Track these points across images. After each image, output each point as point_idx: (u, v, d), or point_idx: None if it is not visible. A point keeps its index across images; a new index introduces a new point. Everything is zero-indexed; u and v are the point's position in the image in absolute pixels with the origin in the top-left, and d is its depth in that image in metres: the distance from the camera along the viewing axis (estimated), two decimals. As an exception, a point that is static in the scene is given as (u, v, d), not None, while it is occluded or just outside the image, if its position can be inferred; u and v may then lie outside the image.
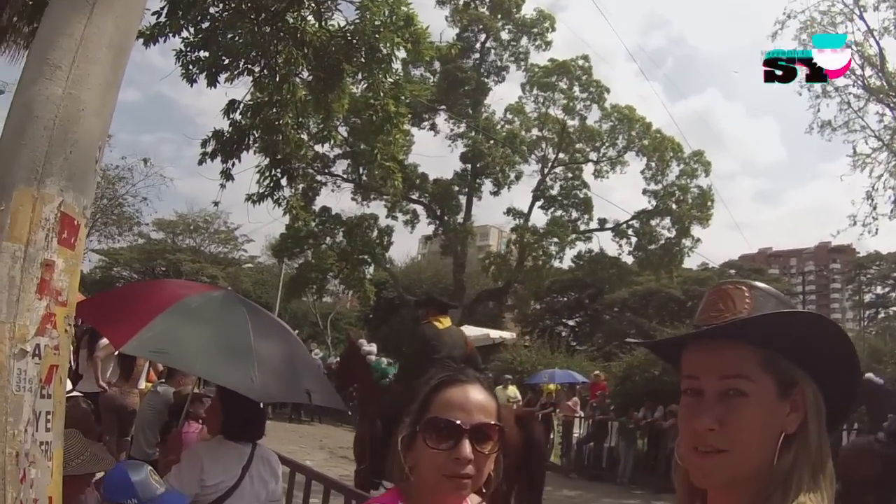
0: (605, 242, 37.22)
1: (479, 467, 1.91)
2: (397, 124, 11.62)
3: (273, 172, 12.48)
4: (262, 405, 4.56)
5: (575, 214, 34.99)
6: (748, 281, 1.51)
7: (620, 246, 35.55)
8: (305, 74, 11.07)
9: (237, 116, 11.51)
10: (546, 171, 35.39)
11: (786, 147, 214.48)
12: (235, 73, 10.92)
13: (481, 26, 34.98)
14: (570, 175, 35.59)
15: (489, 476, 1.97)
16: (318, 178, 32.47)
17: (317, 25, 10.45)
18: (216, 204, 15.47)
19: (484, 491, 2.02)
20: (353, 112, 13.55)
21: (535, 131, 35.57)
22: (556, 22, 34.69)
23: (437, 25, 32.99)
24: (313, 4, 10.42)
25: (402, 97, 11.68)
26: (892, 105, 22.10)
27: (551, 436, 19.84)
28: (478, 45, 35.30)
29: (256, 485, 4.37)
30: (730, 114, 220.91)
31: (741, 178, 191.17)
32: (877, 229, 22.80)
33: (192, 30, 10.57)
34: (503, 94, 79.28)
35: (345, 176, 33.39)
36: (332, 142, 14.26)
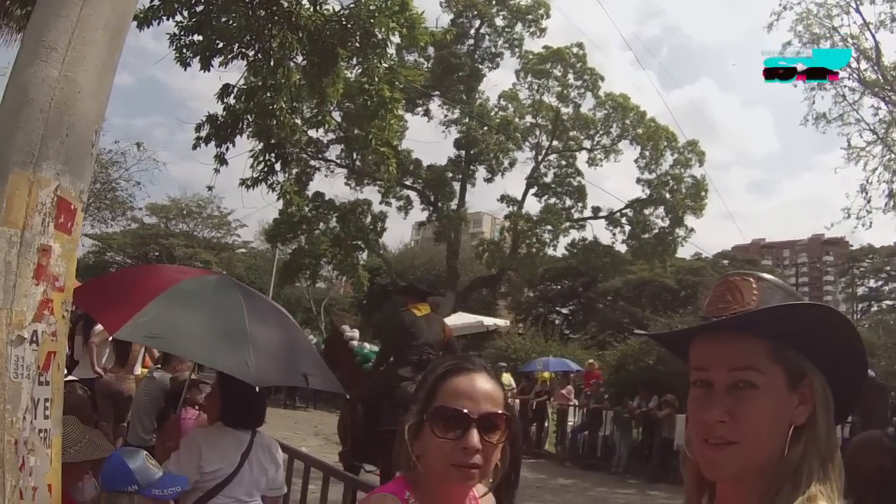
0: (598, 231, 37.46)
1: (487, 457, 1.90)
2: (392, 110, 11.58)
3: (267, 157, 12.42)
4: (259, 391, 4.52)
5: (569, 202, 35.04)
6: (755, 272, 1.51)
7: (614, 234, 35.70)
8: (300, 59, 11.02)
9: (231, 101, 11.45)
10: (540, 158, 35.43)
11: (780, 138, 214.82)
12: (229, 56, 10.85)
13: (476, 12, 34.90)
14: (563, 163, 35.60)
15: (496, 466, 1.96)
16: (312, 163, 32.35)
17: (311, 9, 10.38)
18: (210, 188, 15.44)
19: (491, 480, 2.00)
20: (348, 97, 13.49)
21: (528, 118, 35.58)
22: (551, 9, 34.59)
23: (432, 11, 33.01)
24: (308, -12, 10.37)
25: (397, 82, 11.64)
26: (887, 99, 22.10)
27: (546, 424, 19.90)
28: (472, 31, 35.23)
29: (256, 472, 4.35)
30: (724, 104, 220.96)
31: (735, 169, 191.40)
32: (871, 223, 22.89)
33: (186, 13, 10.51)
34: (497, 81, 79.42)
35: (338, 161, 33.30)
36: (326, 127, 14.21)
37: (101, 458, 3.56)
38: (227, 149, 11.81)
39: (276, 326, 4.87)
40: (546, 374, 21.45)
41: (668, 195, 33.50)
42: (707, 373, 1.44)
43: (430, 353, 8.08)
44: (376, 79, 10.95)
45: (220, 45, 10.64)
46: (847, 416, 1.53)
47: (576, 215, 35.35)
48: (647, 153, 34.13)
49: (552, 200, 34.85)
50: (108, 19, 3.08)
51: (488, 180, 35.72)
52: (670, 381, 16.47)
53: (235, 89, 11.32)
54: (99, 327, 8.11)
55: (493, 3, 34.72)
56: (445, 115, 35.50)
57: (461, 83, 34.68)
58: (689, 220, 33.86)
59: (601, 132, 35.05)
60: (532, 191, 35.18)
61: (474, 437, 1.86)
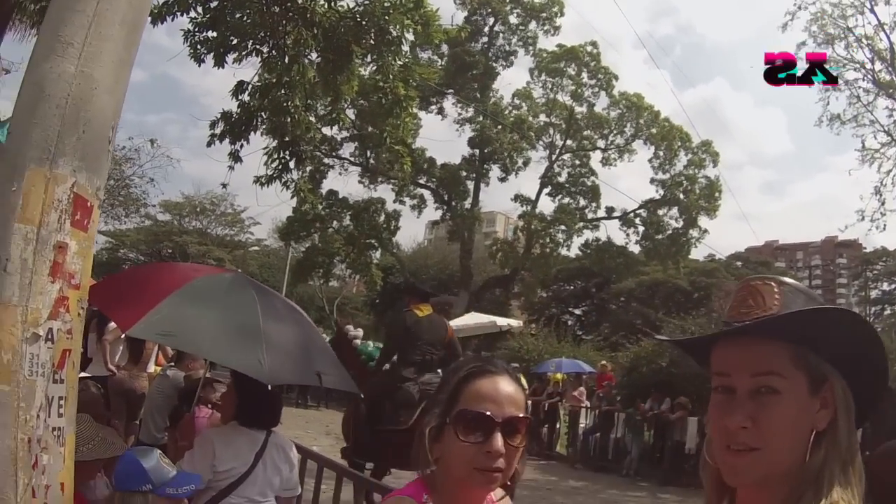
0: (612, 231, 37.36)
1: (509, 460, 1.89)
2: (406, 107, 11.58)
3: (281, 155, 12.43)
4: (272, 389, 4.50)
5: (582, 202, 35.06)
6: (776, 277, 1.49)
7: (628, 235, 35.74)
8: (314, 56, 11.03)
9: (245, 97, 11.47)
10: (554, 157, 35.45)
11: (793, 138, 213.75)
12: (244, 53, 10.89)
13: (490, 10, 34.96)
14: (577, 162, 35.62)
15: (515, 469, 1.95)
16: (326, 160, 32.45)
17: (326, 6, 10.41)
18: (224, 186, 15.45)
19: (509, 484, 2.00)
20: (362, 94, 13.50)
21: (542, 117, 35.58)
22: (565, 7, 34.56)
23: (446, 8, 32.96)
24: (323, -16, 10.37)
25: (412, 80, 11.63)
26: (902, 100, 22.01)
27: (557, 425, 19.86)
28: (486, 29, 35.30)
29: (269, 472, 4.33)
30: (737, 103, 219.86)
31: (748, 169, 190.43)
32: (885, 225, 22.89)
33: (200, 9, 10.56)
34: (511, 79, 79.53)
35: (352, 159, 33.40)
36: (341, 124, 14.21)
37: (114, 456, 3.56)
38: (242, 146, 11.84)
39: (291, 325, 4.85)
40: (558, 376, 21.41)
41: (681, 196, 33.48)
42: (729, 378, 1.42)
43: (432, 353, 8.18)
44: (391, 76, 10.94)
45: (235, 41, 10.67)
46: (868, 420, 1.51)
47: (589, 215, 35.39)
48: (661, 153, 34.11)
49: (566, 200, 34.88)
50: (124, 14, 3.06)
51: (502, 179, 35.81)
52: (683, 384, 16.42)
53: (250, 86, 11.32)
54: (113, 325, 8.13)
55: (508, 0, 34.71)
56: (459, 114, 35.61)
57: (475, 81, 34.74)
58: (703, 221, 33.91)
59: (615, 132, 35.08)
60: (546, 190, 35.23)
61: (498, 441, 1.85)
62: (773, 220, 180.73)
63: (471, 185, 35.50)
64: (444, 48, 32.42)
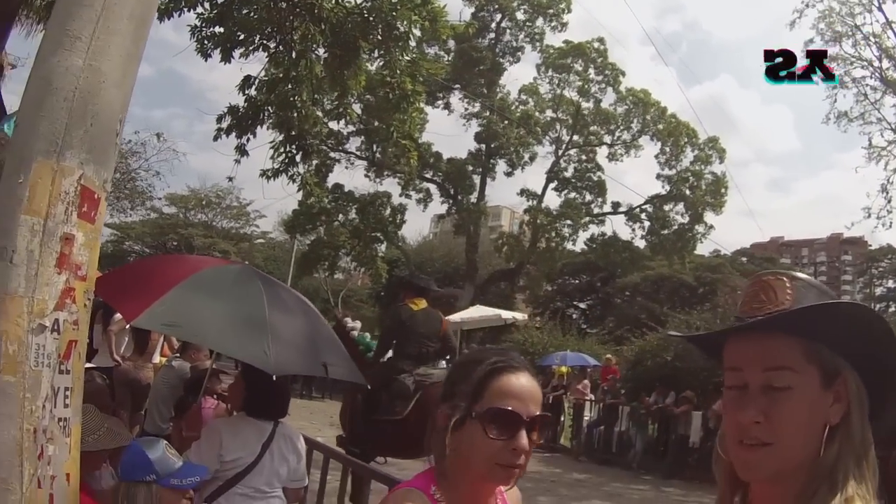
0: (618, 226, 37.30)
1: (528, 456, 1.90)
2: (413, 102, 11.58)
3: (287, 148, 12.46)
4: (278, 380, 4.51)
5: (588, 197, 35.09)
6: (789, 271, 1.49)
7: (633, 230, 35.80)
8: (321, 51, 11.04)
9: (252, 92, 11.49)
10: (560, 152, 35.43)
11: (799, 136, 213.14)
12: (250, 48, 10.90)
13: (497, 6, 34.91)
14: (584, 157, 35.62)
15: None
16: (332, 155, 32.43)
17: (333, 1, 10.41)
18: (231, 179, 15.48)
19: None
20: (369, 89, 13.51)
21: (549, 112, 35.61)
22: (572, 3, 34.49)
23: (454, 4, 32.88)
24: (330, -20, 10.37)
25: (419, 75, 11.63)
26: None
27: (562, 418, 19.88)
28: (493, 25, 35.27)
29: (277, 462, 4.34)
30: (744, 100, 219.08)
31: (754, 166, 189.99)
32: (891, 223, 22.77)
33: (207, 4, 10.57)
34: (518, 75, 79.07)
35: (358, 153, 33.39)
36: (347, 119, 14.25)
37: (120, 446, 3.57)
38: (248, 140, 11.86)
39: (298, 315, 4.83)
40: (563, 369, 21.42)
41: (687, 191, 33.49)
42: (741, 373, 1.42)
43: (427, 346, 8.26)
44: (398, 71, 10.95)
45: (242, 36, 10.68)
46: (882, 414, 1.48)
47: (595, 210, 35.41)
48: (668, 149, 34.10)
49: (572, 195, 34.89)
50: (132, 8, 3.06)
51: (508, 174, 35.83)
52: (687, 378, 16.42)
53: (256, 81, 11.34)
54: (118, 315, 8.15)
55: (515, -3, 34.66)
56: (466, 109, 35.69)
57: (482, 77, 34.73)
58: (709, 216, 33.97)
59: (622, 127, 35.07)
60: (552, 185, 35.23)
61: (524, 438, 1.86)
62: (779, 216, 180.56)
63: (477, 179, 35.57)
64: (451, 44, 32.40)
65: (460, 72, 33.65)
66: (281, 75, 11.01)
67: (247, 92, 11.48)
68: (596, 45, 34.29)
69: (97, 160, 2.84)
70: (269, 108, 11.53)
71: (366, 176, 33.94)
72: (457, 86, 33.79)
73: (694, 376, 16.21)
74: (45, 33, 3.14)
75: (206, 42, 10.74)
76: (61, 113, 2.76)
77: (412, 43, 11.22)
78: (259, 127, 11.84)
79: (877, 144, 22.93)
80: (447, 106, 35.42)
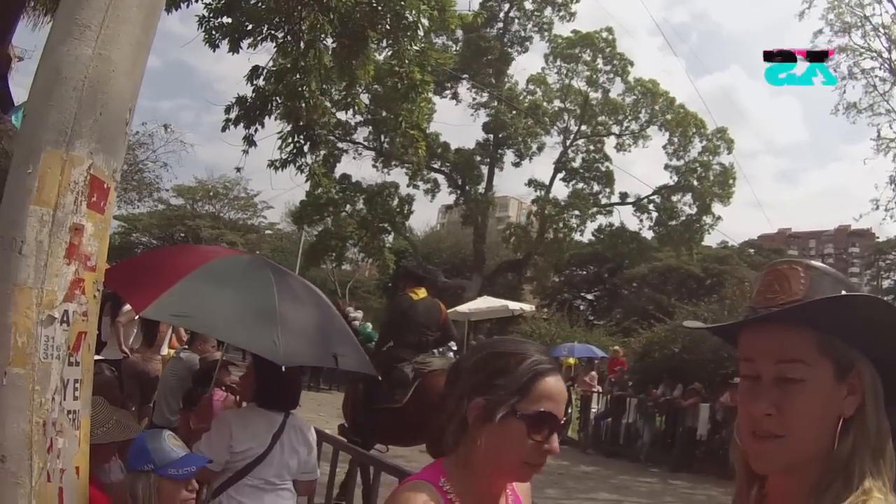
0: (625, 217, 37.38)
1: None
2: (422, 92, 11.57)
3: (296, 139, 12.44)
4: (289, 371, 4.48)
5: (596, 187, 35.09)
6: (804, 260, 1.46)
7: (641, 221, 35.77)
8: (330, 41, 11.01)
9: (260, 82, 11.48)
10: (568, 143, 35.44)
11: (808, 127, 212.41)
12: (259, 38, 10.88)
13: (505, -5, 34.79)
14: (591, 148, 35.62)
15: None
16: (340, 145, 32.41)
17: (342, -9, 10.38)
18: (239, 170, 15.49)
19: None
20: (377, 79, 13.50)
21: (557, 102, 35.62)
22: (581, -8, 34.39)
23: (462, -7, 32.72)
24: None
25: (427, 65, 11.61)
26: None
27: (569, 410, 19.84)
28: (501, 15, 35.25)
29: (287, 454, 4.32)
30: (753, 91, 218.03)
31: (762, 157, 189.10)
32: (899, 214, 22.60)
33: (215, -5, 10.55)
34: (526, 65, 79.25)
35: (366, 143, 33.39)
36: (355, 109, 14.28)
37: (129, 439, 3.56)
38: (256, 130, 11.86)
39: (309, 306, 4.79)
40: (571, 360, 21.42)
41: (695, 182, 33.46)
42: (754, 364, 1.41)
43: (427, 335, 8.35)
44: (407, 61, 10.92)
45: (250, 26, 10.66)
46: None
47: (603, 201, 35.40)
48: (676, 139, 34.05)
49: (580, 185, 34.90)
50: (141, -3, 3.04)
51: (516, 164, 35.90)
52: (695, 370, 16.38)
53: (265, 71, 11.33)
54: (127, 307, 8.15)
55: (523, -14, 34.58)
56: (474, 99, 35.69)
57: (490, 66, 34.71)
58: (717, 207, 33.94)
59: (630, 117, 35.04)
60: (560, 175, 35.27)
61: (556, 441, 1.87)
62: (787, 208, 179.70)
63: (485, 169, 35.58)
64: (459, 33, 32.31)
65: (468, 62, 33.64)
66: (289, 65, 10.99)
67: (255, 82, 11.48)
68: (604, 34, 34.25)
69: (107, 150, 2.82)
70: (278, 98, 11.52)
71: (373, 166, 34.07)
72: (465, 76, 33.79)
73: (702, 368, 16.18)
74: (53, 22, 3.12)
75: (213, 32, 10.73)
76: (70, 102, 2.74)
77: (420, 33, 11.21)
78: (267, 117, 11.85)
79: (885, 136, 22.80)
80: (455, 96, 35.41)
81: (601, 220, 36.45)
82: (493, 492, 1.97)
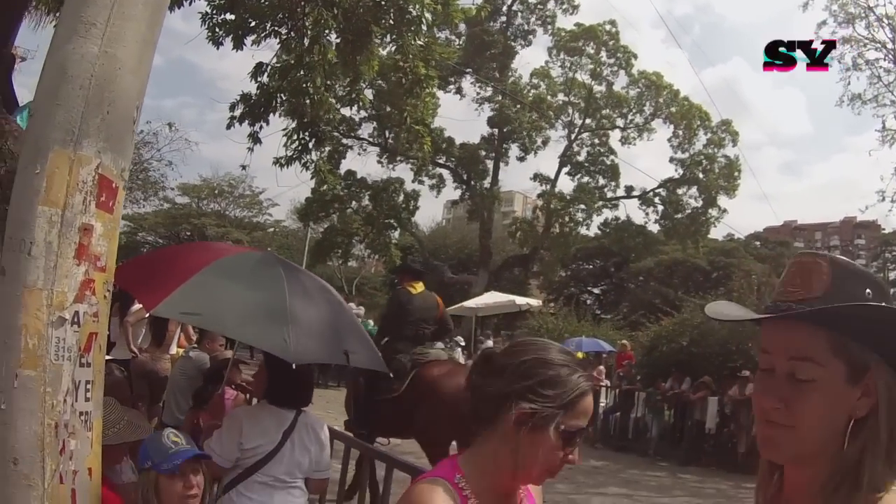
0: (631, 210, 37.33)
1: None
2: (426, 87, 11.56)
3: (301, 135, 12.43)
4: (301, 368, 4.47)
5: (602, 181, 35.06)
6: (830, 255, 1.44)
7: (647, 214, 35.77)
8: (334, 36, 10.99)
9: (264, 79, 11.46)
10: (573, 136, 35.41)
11: (812, 119, 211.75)
12: (262, 35, 10.87)
13: (508, -12, 34.75)
14: (596, 141, 35.59)
15: None
16: (344, 141, 32.42)
17: (346, -14, 10.36)
18: (244, 167, 15.49)
19: None
20: (381, 75, 13.49)
21: (561, 96, 35.52)
22: (584, -15, 34.34)
23: (465, -13, 32.63)
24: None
25: (432, 60, 11.59)
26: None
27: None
28: (504, 8, 35.17)
29: (298, 451, 4.31)
30: (757, 83, 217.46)
31: (767, 149, 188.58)
32: (905, 206, 22.50)
33: (218, -8, 10.54)
34: (530, 59, 79.16)
35: (371, 139, 33.39)
36: (360, 105, 14.23)
37: (140, 439, 3.56)
38: (261, 127, 11.84)
39: (319, 303, 4.78)
40: (579, 355, 21.35)
41: (701, 175, 33.41)
42: (770, 357, 1.43)
43: (424, 328, 8.53)
44: (411, 56, 10.91)
45: (253, 23, 10.64)
46: None
47: (609, 194, 35.38)
48: (681, 132, 33.99)
49: (585, 179, 34.88)
50: (147, -6, 3.02)
51: (521, 159, 35.84)
52: (703, 364, 16.34)
53: (269, 68, 11.31)
54: (135, 307, 8.17)
55: (526, -21, 34.54)
56: (478, 93, 35.68)
57: (494, 60, 34.72)
58: (722, 200, 33.88)
59: (634, 110, 34.96)
60: (565, 169, 35.27)
61: (576, 451, 1.93)
62: (792, 200, 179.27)
63: (490, 164, 35.60)
64: (462, 28, 32.30)
65: (472, 56, 33.65)
66: (293, 62, 10.97)
67: (259, 79, 11.47)
68: (608, 27, 34.17)
69: (114, 148, 2.80)
70: (282, 95, 11.51)
71: (378, 162, 34.02)
72: (469, 70, 33.76)
73: (709, 362, 16.15)
74: (59, 20, 3.10)
75: (217, 29, 10.71)
76: (77, 101, 2.72)
77: (424, 27, 11.19)
78: (272, 114, 11.83)
79: (890, 127, 22.66)
80: (459, 90, 35.41)
81: (607, 213, 36.55)
82: (509, 491, 1.98)
